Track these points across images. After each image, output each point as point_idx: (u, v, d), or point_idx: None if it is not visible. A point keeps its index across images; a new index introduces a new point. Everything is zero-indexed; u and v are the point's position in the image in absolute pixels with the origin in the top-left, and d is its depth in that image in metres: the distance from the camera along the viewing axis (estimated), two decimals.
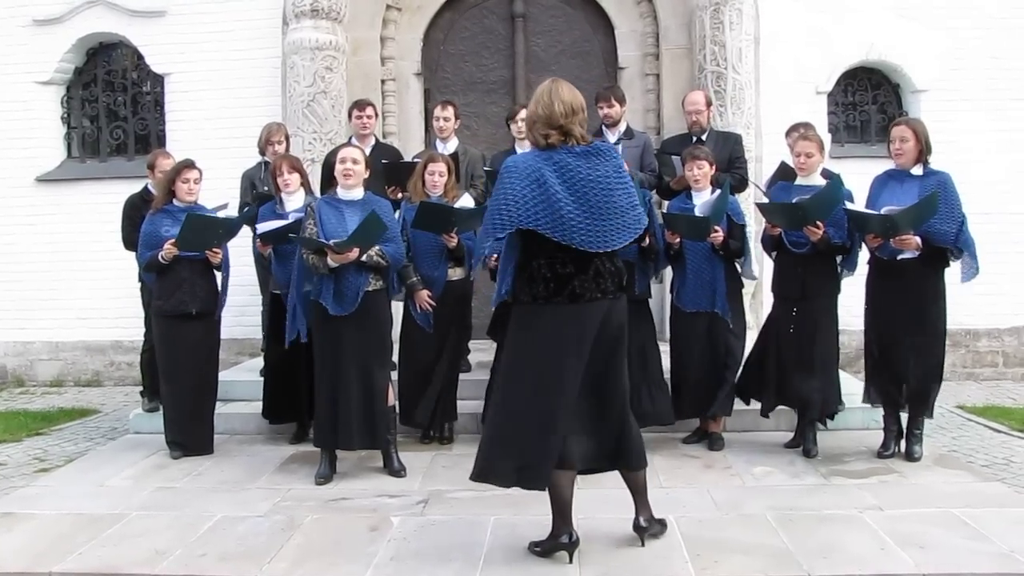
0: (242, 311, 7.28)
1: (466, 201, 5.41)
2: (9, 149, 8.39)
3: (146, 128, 8.56)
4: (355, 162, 4.81)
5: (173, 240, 5.19)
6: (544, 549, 3.78)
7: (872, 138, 8.09)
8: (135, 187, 6.57)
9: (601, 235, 3.40)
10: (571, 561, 3.69)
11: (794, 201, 4.91)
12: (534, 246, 3.45)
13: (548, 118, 3.42)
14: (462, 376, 5.82)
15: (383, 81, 7.99)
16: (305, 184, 5.52)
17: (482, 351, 6.39)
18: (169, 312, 5.32)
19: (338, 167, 4.84)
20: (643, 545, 3.82)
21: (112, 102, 8.63)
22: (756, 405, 5.38)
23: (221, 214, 5.58)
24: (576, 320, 3.46)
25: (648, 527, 3.82)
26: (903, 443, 5.09)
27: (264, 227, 5.35)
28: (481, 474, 3.63)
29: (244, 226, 6.15)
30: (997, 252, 7.60)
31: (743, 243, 5.19)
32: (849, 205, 4.84)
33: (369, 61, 7.92)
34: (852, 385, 5.93)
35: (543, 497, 4.46)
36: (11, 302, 8.43)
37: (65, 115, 8.60)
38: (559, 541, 3.72)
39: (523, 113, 6.12)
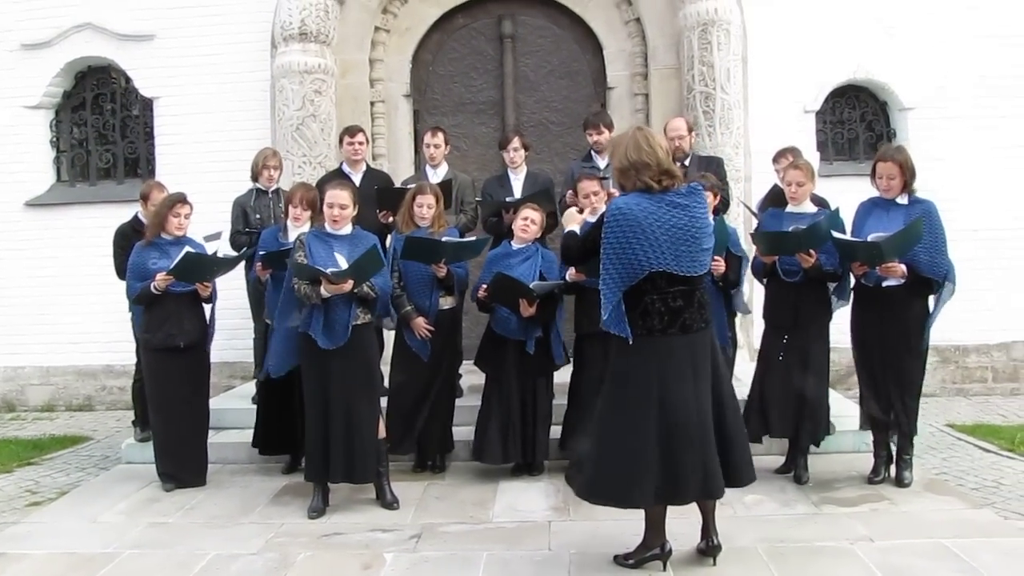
0: (234, 334, 7.27)
1: (452, 234, 5.42)
2: None
3: (135, 152, 8.54)
4: (343, 207, 4.85)
5: (167, 271, 5.18)
6: (637, 560, 3.97)
7: (860, 156, 8.12)
8: (125, 211, 6.57)
9: (699, 262, 3.77)
10: (664, 569, 3.91)
11: (789, 230, 4.93)
12: (646, 283, 3.72)
13: (658, 164, 3.72)
14: (455, 402, 5.82)
15: (372, 103, 8.01)
16: (313, 219, 5.47)
17: (474, 373, 6.38)
18: (157, 346, 5.32)
19: (327, 210, 4.87)
20: (715, 564, 3.94)
21: (101, 126, 8.61)
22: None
23: (215, 244, 5.58)
24: (689, 349, 3.76)
25: (718, 547, 3.95)
26: (893, 468, 5.12)
27: (265, 252, 5.38)
28: (600, 495, 3.90)
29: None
30: (985, 268, 7.69)
31: (739, 276, 5.21)
32: (836, 234, 4.86)
33: (358, 84, 7.95)
34: (843, 406, 5.97)
35: (535, 530, 4.55)
36: (1, 327, 8.39)
37: (54, 139, 8.57)
38: (653, 552, 3.94)
39: (516, 141, 6.17)
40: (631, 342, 3.76)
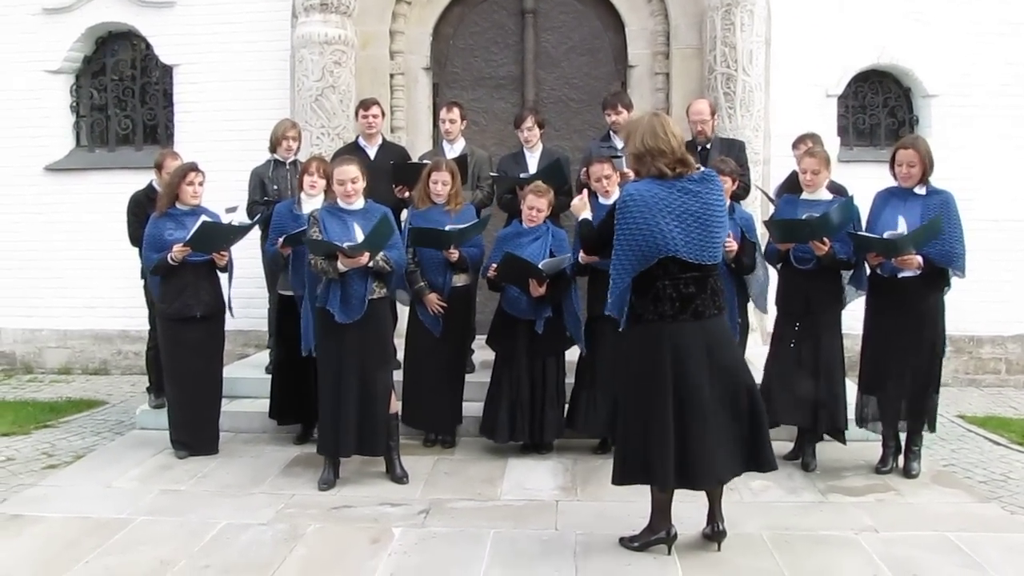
0: (248, 302, 7.29)
1: (469, 211, 5.43)
2: (19, 138, 8.40)
3: (154, 118, 8.56)
4: (354, 181, 4.86)
5: (184, 242, 5.22)
6: (642, 544, 4.01)
7: (881, 142, 8.03)
8: (143, 177, 6.58)
9: (711, 249, 3.75)
10: (669, 554, 3.94)
11: (803, 217, 4.92)
12: (658, 269, 3.71)
13: (673, 152, 3.71)
14: (466, 378, 5.86)
15: (392, 75, 7.97)
16: (327, 189, 5.50)
17: (486, 349, 6.40)
18: (173, 316, 5.36)
19: (338, 188, 4.88)
20: (719, 549, 3.98)
21: (121, 92, 8.63)
22: None
23: (231, 217, 5.61)
24: (702, 334, 3.76)
25: (724, 532, 4.00)
26: (901, 458, 5.13)
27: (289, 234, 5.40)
28: (625, 478, 3.92)
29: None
30: (1004, 259, 7.65)
31: (753, 261, 5.20)
32: (852, 229, 4.84)
33: (378, 55, 7.91)
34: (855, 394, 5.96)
35: (542, 509, 4.59)
36: (20, 290, 8.47)
37: (74, 104, 8.60)
38: (658, 536, 3.97)
39: (530, 120, 6.14)
40: (622, 328, 3.83)
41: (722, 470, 3.83)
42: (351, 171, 4.86)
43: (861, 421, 5.19)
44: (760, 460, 3.90)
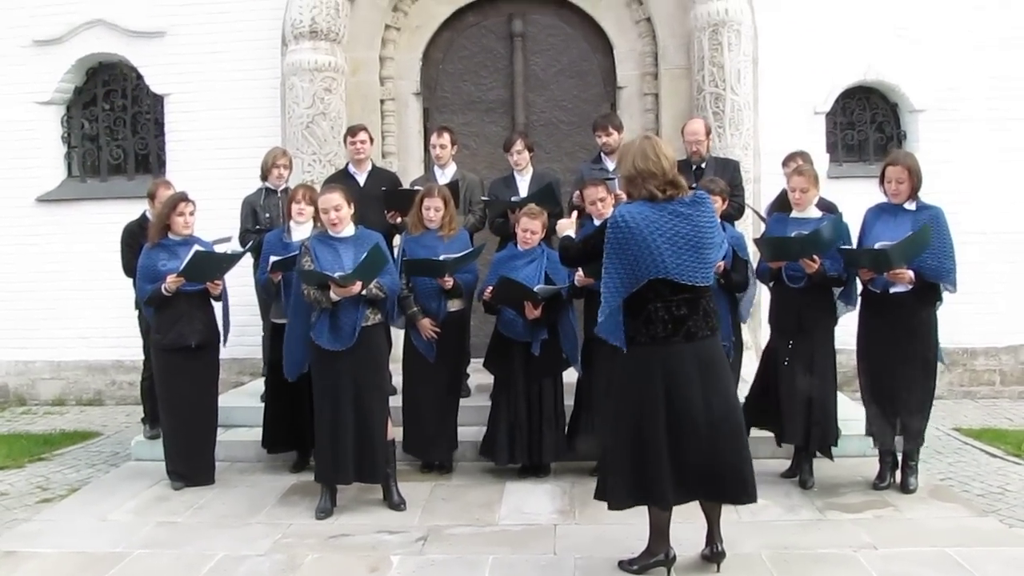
0: (243, 331, 7.25)
1: (463, 237, 5.46)
2: (10, 169, 8.41)
3: (146, 148, 8.58)
4: (337, 209, 4.86)
5: (177, 272, 5.22)
6: (641, 567, 4.00)
7: (870, 157, 8.09)
8: (135, 207, 6.60)
9: (703, 271, 3.77)
10: (668, 575, 3.93)
11: (792, 235, 4.95)
12: (649, 291, 3.72)
13: (663, 174, 3.73)
14: (461, 402, 5.85)
15: (382, 101, 8.01)
16: (316, 217, 5.51)
17: (482, 373, 6.40)
18: (168, 346, 5.35)
19: (323, 217, 4.90)
20: (719, 570, 3.96)
21: (112, 122, 8.65)
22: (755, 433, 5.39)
23: (223, 247, 5.61)
24: (695, 356, 3.75)
25: (723, 553, 3.97)
26: (899, 473, 5.13)
27: (276, 259, 5.40)
28: (621, 501, 3.88)
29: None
30: (995, 272, 7.69)
31: (745, 279, 5.22)
32: (842, 246, 4.87)
33: (368, 81, 7.95)
34: (849, 410, 5.96)
35: (541, 533, 4.57)
36: (12, 321, 8.45)
37: (65, 135, 8.62)
38: (657, 558, 3.96)
39: (519, 144, 6.17)
40: (625, 351, 3.82)
41: (719, 487, 3.79)
42: (334, 199, 4.87)
43: (873, 438, 5.18)
44: (741, 490, 3.82)
